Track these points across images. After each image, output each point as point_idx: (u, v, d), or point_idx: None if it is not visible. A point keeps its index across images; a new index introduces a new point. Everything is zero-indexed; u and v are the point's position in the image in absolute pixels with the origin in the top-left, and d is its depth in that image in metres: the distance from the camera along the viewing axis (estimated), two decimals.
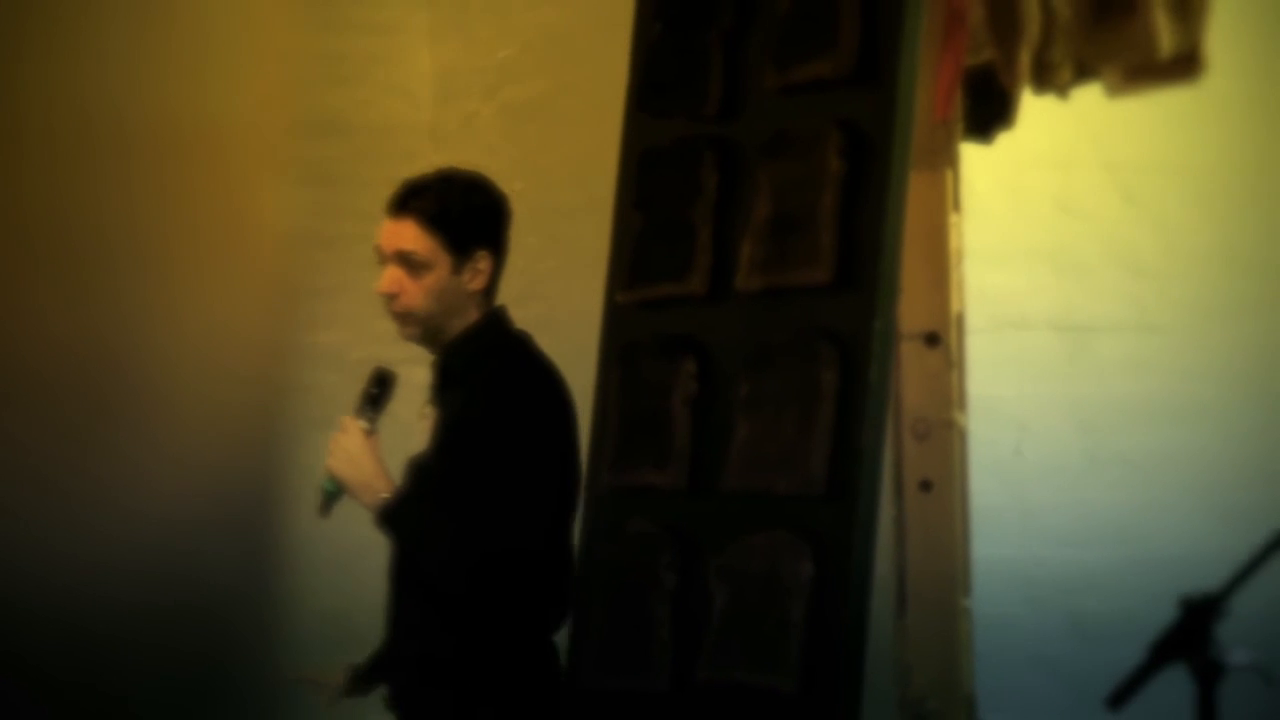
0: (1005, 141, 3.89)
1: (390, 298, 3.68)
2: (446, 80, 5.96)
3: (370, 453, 3.63)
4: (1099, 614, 4.62)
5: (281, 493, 3.63)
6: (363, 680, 3.74)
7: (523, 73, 5.67)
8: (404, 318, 3.69)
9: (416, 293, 3.67)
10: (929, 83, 3.37)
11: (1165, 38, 3.56)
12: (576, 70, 5.41)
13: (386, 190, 3.79)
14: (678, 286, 3.38)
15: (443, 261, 3.67)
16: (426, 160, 5.98)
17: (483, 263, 3.71)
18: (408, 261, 3.66)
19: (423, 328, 3.70)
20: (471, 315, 3.72)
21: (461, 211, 3.69)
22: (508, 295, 5.76)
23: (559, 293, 5.49)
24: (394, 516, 3.58)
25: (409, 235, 3.67)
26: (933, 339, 3.48)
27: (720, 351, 3.31)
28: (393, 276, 3.68)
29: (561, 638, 3.53)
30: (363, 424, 3.66)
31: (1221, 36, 3.61)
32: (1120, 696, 2.51)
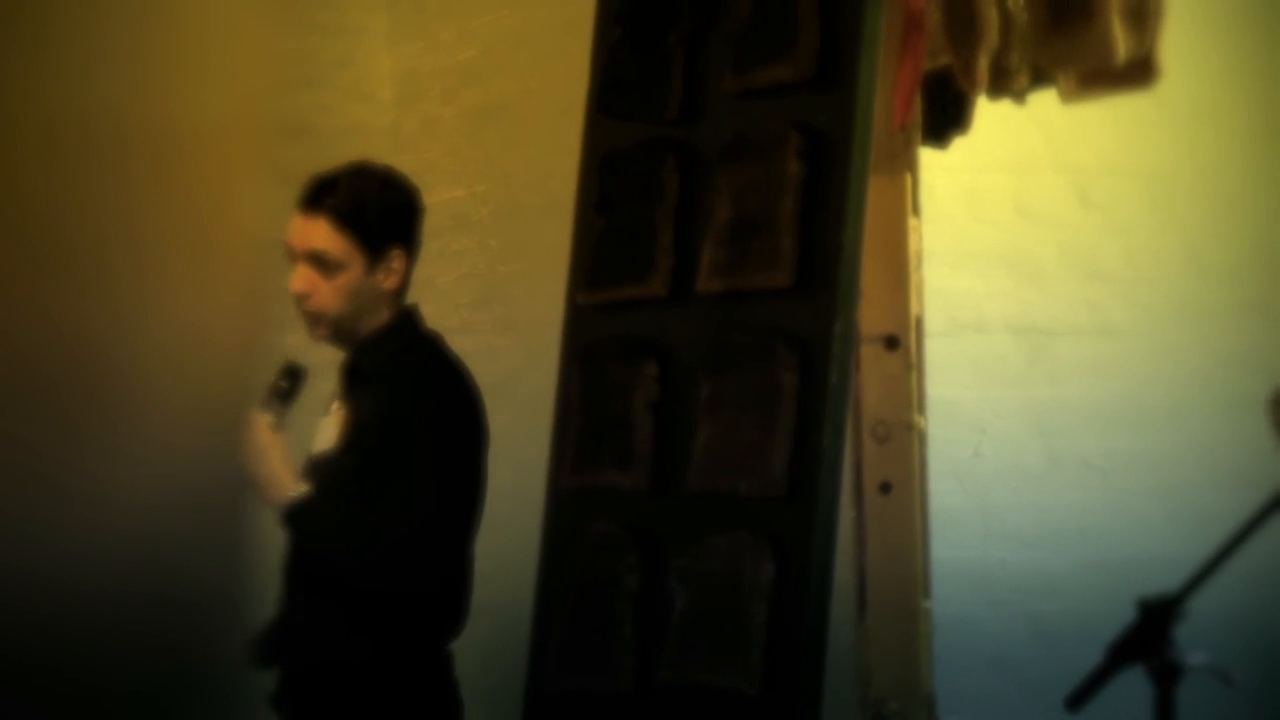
0: (963, 146, 3.91)
1: (302, 298, 3.60)
2: (407, 83, 5.96)
3: (275, 448, 3.55)
4: (1058, 615, 4.64)
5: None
6: (258, 655, 3.68)
7: (483, 75, 5.68)
8: (315, 318, 3.61)
9: (329, 293, 3.58)
10: (888, 87, 3.38)
11: (1121, 44, 3.58)
12: (537, 73, 5.41)
13: None
14: (639, 289, 3.39)
15: (356, 261, 3.58)
16: (388, 163, 5.99)
17: (396, 261, 3.63)
18: (320, 261, 3.58)
19: (333, 328, 3.62)
20: (383, 314, 3.65)
21: (376, 210, 3.61)
22: (469, 297, 5.79)
23: (521, 294, 5.50)
24: (298, 514, 3.52)
25: (321, 234, 3.58)
26: (892, 342, 3.50)
27: (681, 354, 3.32)
28: (304, 276, 3.59)
29: (522, 637, 3.54)
30: (269, 418, 3.60)
31: (1176, 42, 3.64)
32: (1079, 698, 2.52)
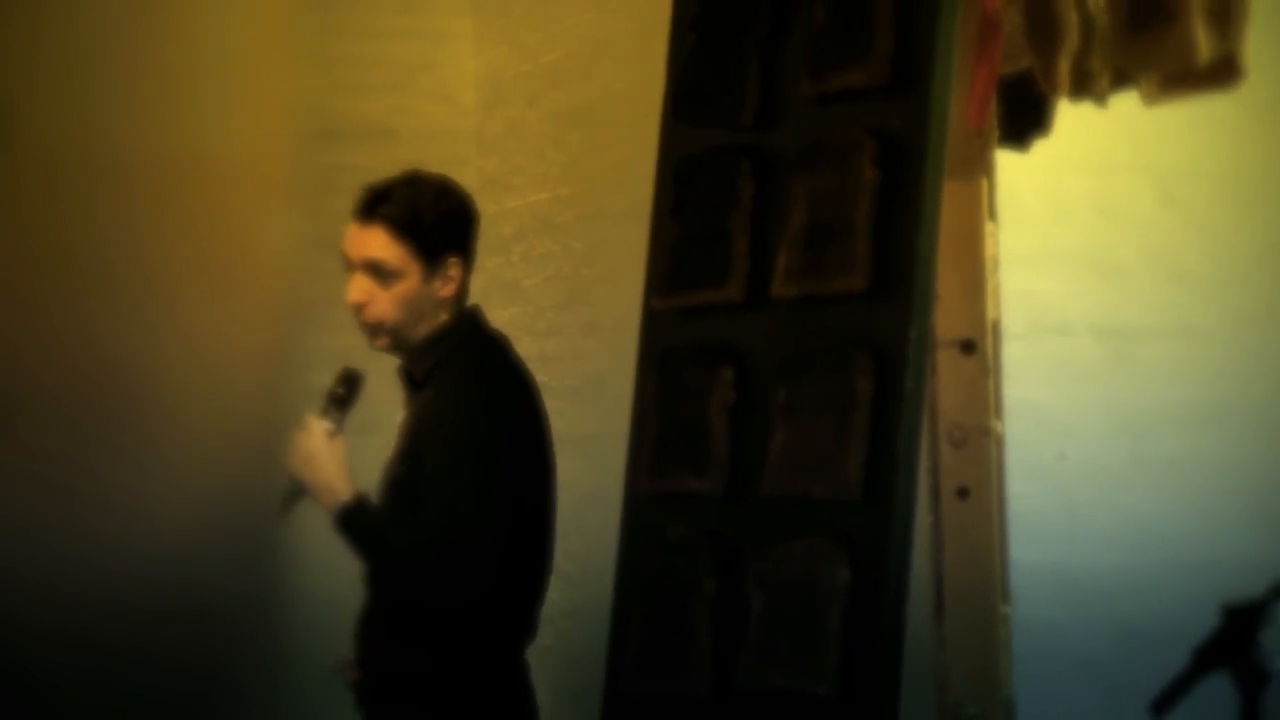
0: (1045, 147, 3.89)
1: (359, 308, 3.60)
2: (491, 86, 6.00)
3: (332, 454, 3.56)
4: (1142, 619, 4.61)
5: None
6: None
7: (567, 78, 5.70)
8: (374, 328, 3.62)
9: (386, 302, 3.58)
10: (963, 91, 3.38)
11: (1203, 45, 3.56)
12: (621, 76, 5.43)
13: None
14: (715, 294, 3.40)
15: (413, 270, 3.58)
16: (473, 166, 6.04)
17: (454, 269, 3.63)
18: (377, 270, 3.58)
19: (393, 338, 3.62)
20: (440, 319, 3.65)
21: (433, 218, 3.60)
22: (554, 299, 5.81)
23: (605, 297, 5.52)
24: (348, 521, 3.53)
25: (378, 243, 3.57)
26: (968, 346, 3.49)
27: (757, 358, 3.32)
28: (361, 286, 3.59)
29: (601, 642, 3.56)
30: (327, 424, 3.59)
31: (1259, 42, 3.61)
32: (1163, 703, 2.51)
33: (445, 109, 5.96)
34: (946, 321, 3.46)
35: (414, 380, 3.66)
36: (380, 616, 3.62)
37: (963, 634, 3.47)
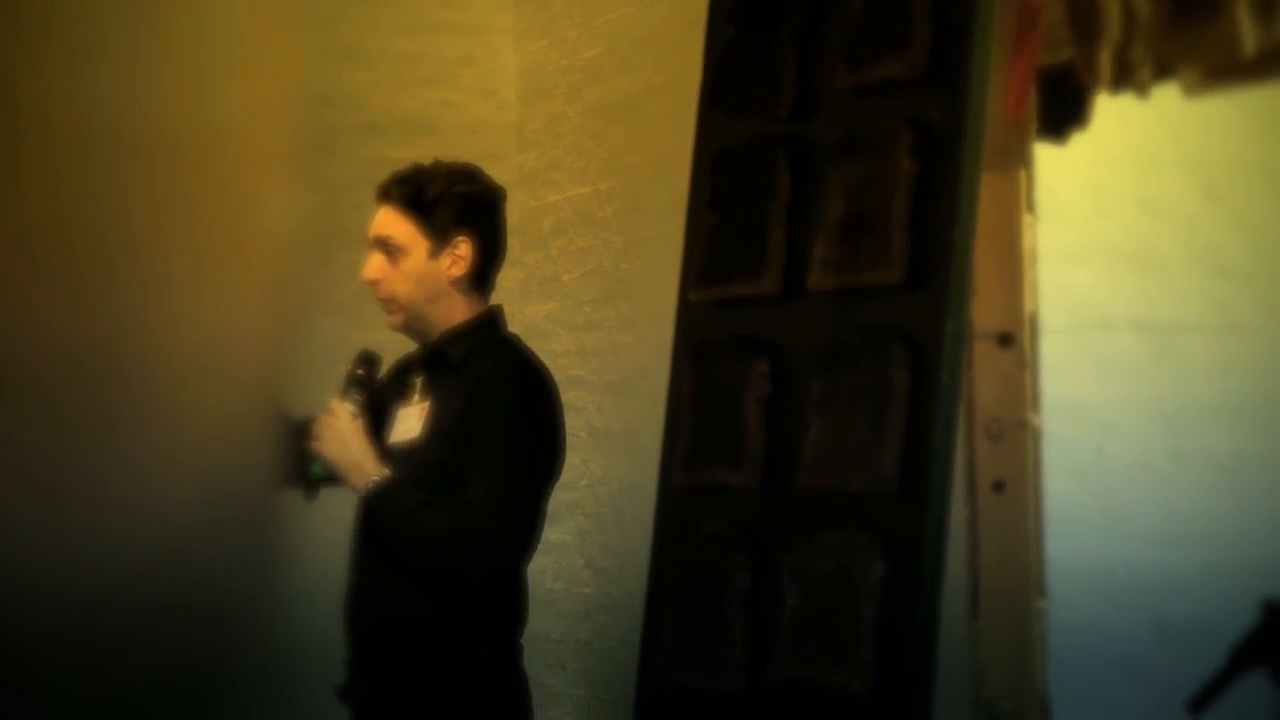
0: (1086, 141, 3.87)
1: (372, 284, 3.68)
2: (531, 80, 5.99)
3: (359, 434, 3.61)
4: (1183, 616, 4.58)
5: (284, 491, 3.66)
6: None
7: (607, 73, 5.69)
8: (386, 304, 3.68)
9: (395, 278, 3.65)
10: (1001, 83, 3.36)
11: (1249, 36, 3.52)
12: (661, 70, 5.42)
13: None
14: (751, 286, 3.39)
15: (419, 246, 3.65)
16: (513, 161, 6.04)
17: (463, 248, 3.67)
18: (386, 247, 3.66)
19: (405, 314, 3.68)
20: (457, 304, 3.70)
21: (437, 195, 3.67)
22: (593, 293, 5.81)
23: (645, 292, 5.51)
24: (384, 500, 3.57)
25: (388, 220, 3.66)
26: (1006, 339, 3.47)
27: (793, 351, 3.32)
28: (374, 263, 3.67)
29: (637, 637, 3.55)
30: (349, 406, 3.65)
31: None
32: (1202, 700, 2.49)
33: (486, 103, 5.97)
34: (984, 314, 3.44)
35: (448, 363, 3.69)
36: (403, 606, 3.62)
37: (998, 629, 3.46)
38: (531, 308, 6.04)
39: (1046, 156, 3.68)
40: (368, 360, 3.71)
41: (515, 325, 5.93)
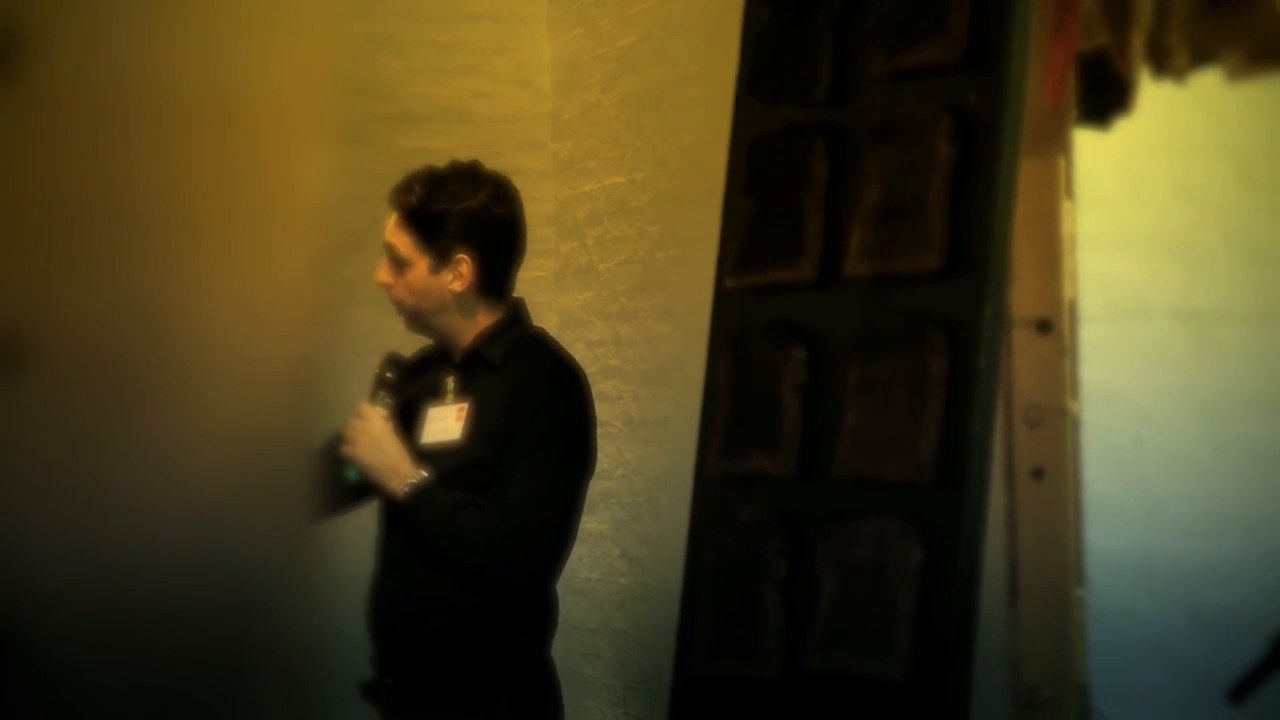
0: (1125, 127, 3.84)
1: (385, 287, 3.68)
2: (566, 69, 5.98)
3: (393, 437, 3.59)
4: (1222, 606, 4.56)
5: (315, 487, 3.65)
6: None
7: (642, 62, 5.68)
8: (397, 307, 3.69)
9: (400, 287, 3.64)
10: (1040, 68, 3.34)
11: None
12: (696, 59, 5.41)
13: None
14: (787, 272, 3.37)
15: (420, 260, 3.61)
16: (548, 150, 6.04)
17: (464, 266, 3.62)
18: (392, 256, 3.64)
19: (412, 320, 3.68)
20: (473, 312, 3.67)
21: (439, 213, 3.61)
22: (629, 283, 5.80)
23: (680, 281, 5.50)
24: (425, 501, 3.55)
25: (393, 230, 3.64)
26: (1045, 326, 3.45)
27: (829, 337, 3.30)
28: (384, 267, 3.67)
29: (674, 626, 3.54)
30: (380, 410, 3.62)
31: None
32: (1241, 691, 2.47)
33: (520, 93, 5.96)
34: (1022, 301, 3.42)
35: (486, 362, 3.67)
36: (436, 600, 3.62)
37: (1037, 617, 3.44)
38: (567, 297, 6.03)
39: (1085, 143, 3.65)
40: (396, 362, 3.70)
41: (551, 315, 5.94)
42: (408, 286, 3.64)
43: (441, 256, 3.63)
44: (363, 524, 3.75)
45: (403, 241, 3.62)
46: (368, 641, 3.72)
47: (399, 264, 3.63)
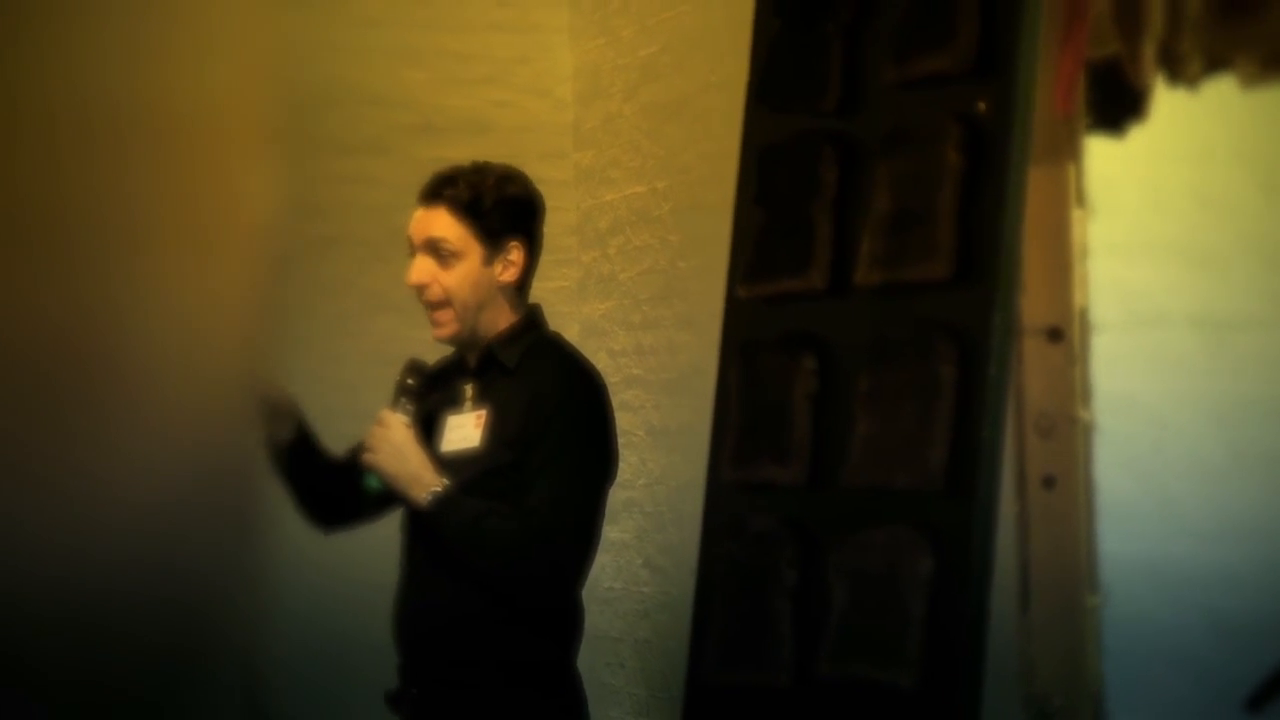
0: (1141, 134, 3.84)
1: (420, 288, 3.62)
2: (588, 79, 6.00)
3: (414, 445, 3.57)
4: (1240, 614, 4.54)
5: (273, 480, 3.64)
6: None
7: (664, 71, 5.69)
8: (438, 306, 3.62)
9: (447, 281, 3.60)
10: (1049, 77, 3.34)
11: None
12: (717, 69, 5.42)
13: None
14: (798, 281, 3.38)
15: (474, 250, 3.61)
16: (569, 160, 6.05)
17: (514, 254, 3.64)
18: (437, 250, 3.60)
19: (459, 323, 3.63)
20: (503, 309, 3.66)
21: (494, 200, 3.63)
22: (650, 292, 5.81)
23: (701, 290, 5.51)
24: (446, 510, 3.54)
25: (441, 223, 3.61)
26: (1055, 334, 3.46)
27: (840, 346, 3.31)
28: (422, 266, 3.61)
29: (685, 633, 3.55)
30: (402, 417, 3.60)
31: None
32: (1258, 699, 2.47)
33: (542, 103, 5.98)
34: (1033, 309, 3.43)
35: (502, 367, 3.66)
36: (463, 607, 3.61)
37: (1049, 625, 3.44)
38: (589, 306, 6.04)
39: (1101, 151, 3.65)
40: (417, 370, 3.67)
41: (573, 324, 5.95)
42: (456, 279, 3.61)
43: (495, 246, 3.63)
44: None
45: (454, 232, 3.61)
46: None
47: (446, 257, 3.61)
